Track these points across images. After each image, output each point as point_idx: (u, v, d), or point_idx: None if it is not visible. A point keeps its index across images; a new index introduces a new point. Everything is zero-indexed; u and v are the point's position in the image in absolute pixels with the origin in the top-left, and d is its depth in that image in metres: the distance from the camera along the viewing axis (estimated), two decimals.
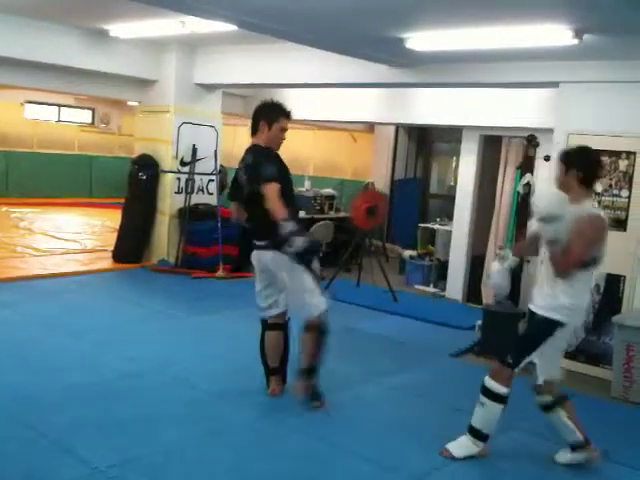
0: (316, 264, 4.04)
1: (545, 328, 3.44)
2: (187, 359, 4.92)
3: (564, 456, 3.64)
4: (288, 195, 3.92)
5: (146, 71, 7.93)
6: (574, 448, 3.59)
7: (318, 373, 4.07)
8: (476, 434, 3.59)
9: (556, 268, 3.41)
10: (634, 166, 5.13)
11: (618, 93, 5.20)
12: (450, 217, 8.42)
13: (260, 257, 4.05)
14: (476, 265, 7.88)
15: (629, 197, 5.15)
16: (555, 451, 3.70)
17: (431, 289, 8.35)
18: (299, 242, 3.68)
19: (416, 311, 7.06)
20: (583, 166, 3.46)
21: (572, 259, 3.31)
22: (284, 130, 4.04)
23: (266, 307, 4.17)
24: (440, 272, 8.43)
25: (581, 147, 3.64)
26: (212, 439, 3.64)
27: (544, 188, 3.60)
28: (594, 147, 5.11)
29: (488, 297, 7.18)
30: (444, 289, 8.18)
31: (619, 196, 5.18)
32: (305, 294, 3.94)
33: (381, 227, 9.89)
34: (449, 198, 8.95)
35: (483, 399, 3.54)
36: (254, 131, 4.07)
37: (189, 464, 3.35)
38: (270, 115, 4.01)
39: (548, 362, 3.48)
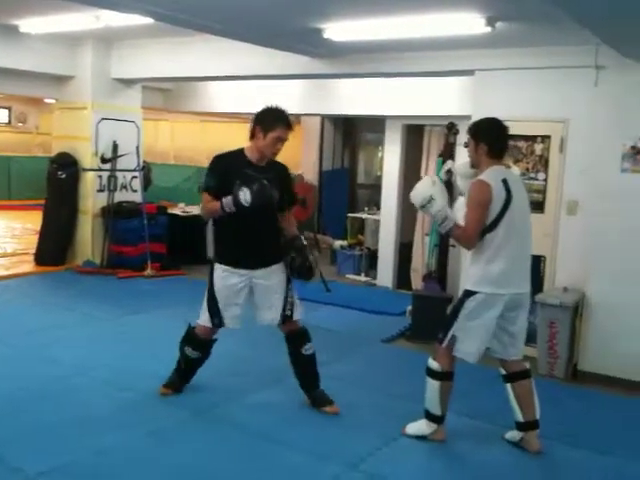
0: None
1: (460, 299, 3.58)
2: (116, 361, 4.81)
3: (509, 432, 3.77)
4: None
5: (61, 67, 7.68)
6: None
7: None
8: (426, 415, 3.67)
9: (458, 242, 3.57)
10: (549, 149, 5.33)
11: (530, 79, 5.38)
12: (378, 206, 8.53)
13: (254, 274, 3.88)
14: (405, 252, 8.02)
15: (545, 180, 5.34)
16: (493, 433, 3.84)
17: (362, 278, 8.44)
18: (244, 195, 3.57)
19: (348, 300, 7.12)
20: (490, 138, 3.55)
21: (466, 227, 3.43)
22: (281, 140, 3.76)
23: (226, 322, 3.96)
24: (370, 261, 8.53)
25: (487, 119, 3.70)
26: (145, 440, 3.58)
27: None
28: (511, 132, 5.29)
29: (417, 283, 7.33)
30: (375, 277, 8.29)
31: (536, 179, 5.36)
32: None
33: (311, 218, 9.91)
34: (377, 187, 9.06)
35: (426, 378, 3.63)
36: (251, 136, 3.80)
37: (122, 467, 3.29)
38: (268, 122, 3.73)
39: (465, 338, 3.52)
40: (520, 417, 3.65)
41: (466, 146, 5.91)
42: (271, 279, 3.89)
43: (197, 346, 4.05)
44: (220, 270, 3.86)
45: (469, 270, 3.60)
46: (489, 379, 4.20)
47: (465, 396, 4.28)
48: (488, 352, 3.69)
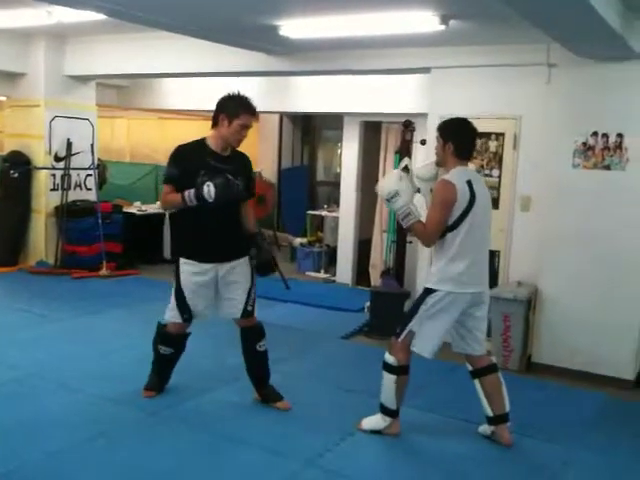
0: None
1: (421, 296, 3.61)
2: (71, 362, 4.72)
3: (482, 426, 3.83)
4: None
5: (12, 64, 7.49)
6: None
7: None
8: (382, 409, 3.70)
9: (418, 239, 3.61)
10: (503, 146, 5.41)
11: (484, 77, 5.45)
12: (338, 203, 8.56)
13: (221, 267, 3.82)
14: (364, 249, 8.07)
15: (500, 176, 5.43)
16: (448, 425, 3.91)
17: (322, 275, 8.46)
18: (209, 190, 3.50)
19: (308, 297, 7.13)
20: (458, 138, 3.57)
21: (427, 225, 3.47)
22: (246, 127, 3.70)
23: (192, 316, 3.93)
24: (330, 258, 8.56)
25: (457, 119, 3.73)
26: (97, 441, 3.51)
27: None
28: None
29: (376, 279, 7.37)
30: (334, 274, 8.32)
31: (491, 176, 5.44)
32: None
33: (271, 216, 9.88)
34: (336, 185, 9.08)
35: (382, 372, 3.66)
36: (214, 124, 3.73)
37: (73, 469, 3.22)
38: (232, 109, 3.66)
39: (423, 334, 3.55)
40: (489, 412, 3.70)
41: (423, 143, 6.01)
42: (235, 274, 3.84)
43: (171, 343, 4.01)
44: (185, 265, 3.80)
45: (431, 268, 3.63)
46: (445, 372, 4.25)
47: (421, 389, 4.33)
48: (451, 348, 3.74)
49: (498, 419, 3.71)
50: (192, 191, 3.56)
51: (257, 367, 4.04)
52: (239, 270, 3.86)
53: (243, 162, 3.89)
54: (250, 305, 3.90)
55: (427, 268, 3.66)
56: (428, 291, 3.56)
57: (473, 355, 3.71)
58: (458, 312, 3.55)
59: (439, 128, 3.66)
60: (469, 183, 3.49)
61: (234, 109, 3.67)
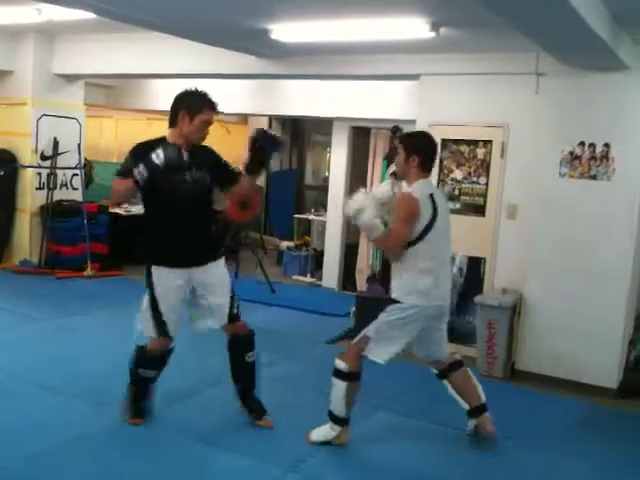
0: None
1: (384, 305, 3.56)
2: (53, 364, 4.67)
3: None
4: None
5: (0, 61, 7.42)
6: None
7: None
8: (331, 417, 3.64)
9: (385, 252, 3.60)
10: (491, 154, 5.43)
11: (473, 84, 5.48)
12: (325, 207, 8.55)
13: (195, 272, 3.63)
14: (350, 254, 8.06)
15: (487, 184, 5.45)
16: (428, 430, 3.92)
17: (308, 279, 8.44)
18: (157, 155, 3.28)
19: (294, 301, 7.11)
20: (423, 152, 3.56)
21: (391, 239, 3.47)
22: (208, 124, 3.53)
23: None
24: (316, 262, 8.54)
25: (421, 132, 3.75)
26: (80, 445, 3.48)
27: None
28: (453, 137, 5.39)
29: (362, 284, 7.37)
30: (320, 278, 8.30)
31: (478, 183, 5.46)
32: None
33: (258, 219, 9.86)
34: (324, 189, 9.08)
35: (332, 379, 3.61)
36: (173, 122, 3.52)
37: (53, 472, 3.19)
38: (193, 106, 3.48)
39: (381, 342, 3.52)
40: (466, 405, 3.73)
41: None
42: (211, 276, 3.64)
43: (153, 365, 3.70)
44: (157, 271, 3.56)
45: (396, 280, 3.58)
46: (424, 377, 4.25)
47: (401, 394, 4.35)
48: (414, 356, 3.76)
49: (477, 410, 3.73)
50: (141, 165, 3.30)
51: (243, 378, 3.85)
52: (215, 272, 3.67)
53: (206, 153, 3.67)
54: (235, 308, 3.73)
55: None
56: (391, 301, 3.55)
57: (438, 360, 3.74)
58: (422, 324, 3.55)
59: (403, 140, 3.65)
60: (431, 197, 3.50)
61: (196, 105, 3.49)
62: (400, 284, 3.55)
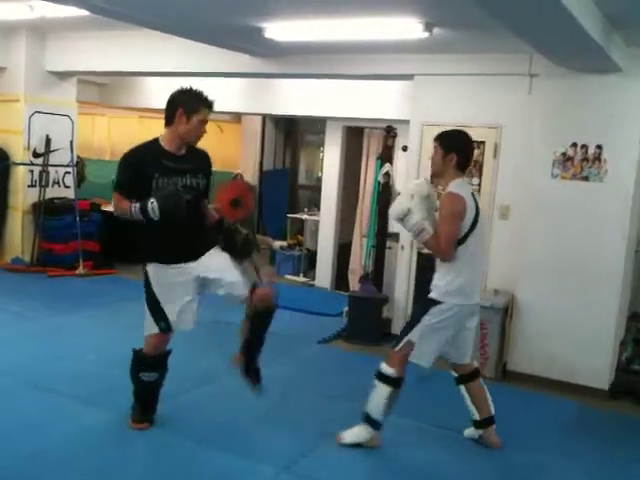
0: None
1: (424, 307, 3.55)
2: (45, 362, 4.66)
3: (468, 430, 3.85)
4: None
5: None
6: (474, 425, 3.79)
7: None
8: (367, 419, 3.61)
9: (436, 255, 3.54)
10: (483, 155, 5.44)
11: (467, 85, 5.49)
12: (319, 207, 8.55)
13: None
14: (343, 253, 8.06)
15: (479, 185, 5.46)
16: (422, 431, 3.92)
17: (301, 278, 8.44)
18: (153, 206, 3.28)
19: (286, 301, 6.99)
20: (461, 150, 3.55)
21: (441, 240, 3.44)
22: (205, 123, 3.51)
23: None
24: (309, 261, 8.54)
25: (459, 131, 3.68)
26: (72, 444, 3.46)
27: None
28: None
29: (355, 284, 7.36)
30: (314, 278, 8.30)
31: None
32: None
33: (251, 218, 9.84)
34: (317, 188, 9.07)
35: (375, 382, 3.59)
36: (169, 121, 3.49)
37: (46, 471, 3.18)
38: (190, 105, 3.45)
39: (423, 345, 3.51)
40: (477, 416, 3.73)
41: (404, 150, 6.01)
42: (212, 262, 3.57)
43: (153, 366, 3.66)
44: (154, 269, 3.57)
45: (438, 280, 3.55)
46: (419, 379, 4.25)
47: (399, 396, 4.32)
48: (442, 357, 3.74)
49: (485, 422, 3.74)
50: (137, 206, 3.34)
51: (255, 343, 3.75)
52: (213, 257, 3.60)
53: (202, 159, 3.68)
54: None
55: (434, 276, 3.59)
56: (432, 302, 3.51)
57: (460, 363, 3.72)
58: (460, 324, 3.56)
59: (441, 139, 3.61)
60: (473, 196, 3.53)
61: (192, 104, 3.46)
62: (443, 284, 3.50)
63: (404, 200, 3.55)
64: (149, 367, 3.66)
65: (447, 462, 3.65)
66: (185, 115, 3.45)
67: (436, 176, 3.67)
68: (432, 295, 3.54)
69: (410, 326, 3.58)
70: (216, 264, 3.60)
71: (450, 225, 3.43)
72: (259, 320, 3.65)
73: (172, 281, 3.57)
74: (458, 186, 3.50)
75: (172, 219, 3.36)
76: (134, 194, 3.42)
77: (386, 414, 3.61)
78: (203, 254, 3.62)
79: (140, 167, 3.44)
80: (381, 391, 3.56)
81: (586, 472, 3.69)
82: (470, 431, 3.83)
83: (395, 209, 3.56)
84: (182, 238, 3.56)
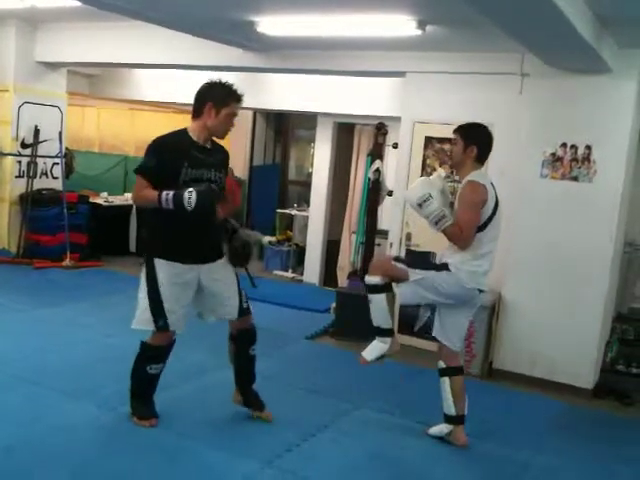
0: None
1: (439, 266, 3.57)
2: (29, 354, 4.61)
3: (435, 427, 3.83)
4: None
5: None
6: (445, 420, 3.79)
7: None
8: (379, 332, 3.66)
9: (456, 242, 3.54)
10: None
11: (458, 83, 5.50)
12: (308, 203, 8.54)
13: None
14: (332, 250, 8.07)
15: None
16: (408, 427, 3.92)
17: (289, 274, 8.43)
18: (191, 197, 3.22)
19: (274, 296, 7.08)
20: (482, 142, 3.60)
21: (462, 226, 3.46)
22: (234, 116, 3.48)
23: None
24: (298, 257, 8.54)
25: (479, 124, 3.71)
26: (55, 437, 3.43)
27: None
28: (437, 135, 5.41)
29: (343, 280, 7.37)
30: (302, 274, 8.30)
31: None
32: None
33: (240, 213, 9.82)
34: (307, 184, 9.07)
35: (369, 297, 3.62)
36: (198, 114, 3.44)
37: (30, 464, 3.14)
38: (220, 98, 3.40)
39: (413, 286, 3.54)
40: (453, 411, 3.73)
41: (395, 147, 6.02)
42: (219, 273, 3.58)
43: (161, 358, 3.61)
44: (165, 266, 3.43)
45: (453, 256, 3.55)
46: (409, 375, 4.26)
47: (384, 391, 4.34)
48: (431, 333, 3.81)
49: (458, 419, 3.74)
50: (171, 194, 3.26)
51: (247, 371, 3.82)
52: (220, 268, 3.60)
53: (225, 156, 3.68)
54: (245, 302, 3.69)
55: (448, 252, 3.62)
56: (446, 266, 3.54)
57: (451, 350, 3.74)
58: (452, 301, 3.59)
59: (462, 130, 3.65)
60: (492, 186, 3.57)
61: (222, 98, 3.42)
62: (458, 259, 3.52)
63: (423, 185, 3.55)
64: (156, 359, 3.61)
65: (431, 458, 3.65)
66: (215, 109, 3.41)
67: (455, 167, 3.73)
68: (446, 259, 3.56)
69: (421, 266, 3.60)
70: (223, 278, 3.61)
71: (472, 212, 3.47)
72: (242, 341, 3.78)
73: (182, 281, 3.49)
74: (479, 176, 3.56)
75: (203, 214, 3.32)
76: (158, 181, 3.34)
77: (392, 317, 3.66)
78: (214, 260, 3.59)
79: (171, 154, 3.38)
80: (378, 301, 3.59)
81: (570, 469, 3.71)
82: (439, 428, 3.81)
83: (415, 193, 3.54)
84: (202, 237, 3.50)
